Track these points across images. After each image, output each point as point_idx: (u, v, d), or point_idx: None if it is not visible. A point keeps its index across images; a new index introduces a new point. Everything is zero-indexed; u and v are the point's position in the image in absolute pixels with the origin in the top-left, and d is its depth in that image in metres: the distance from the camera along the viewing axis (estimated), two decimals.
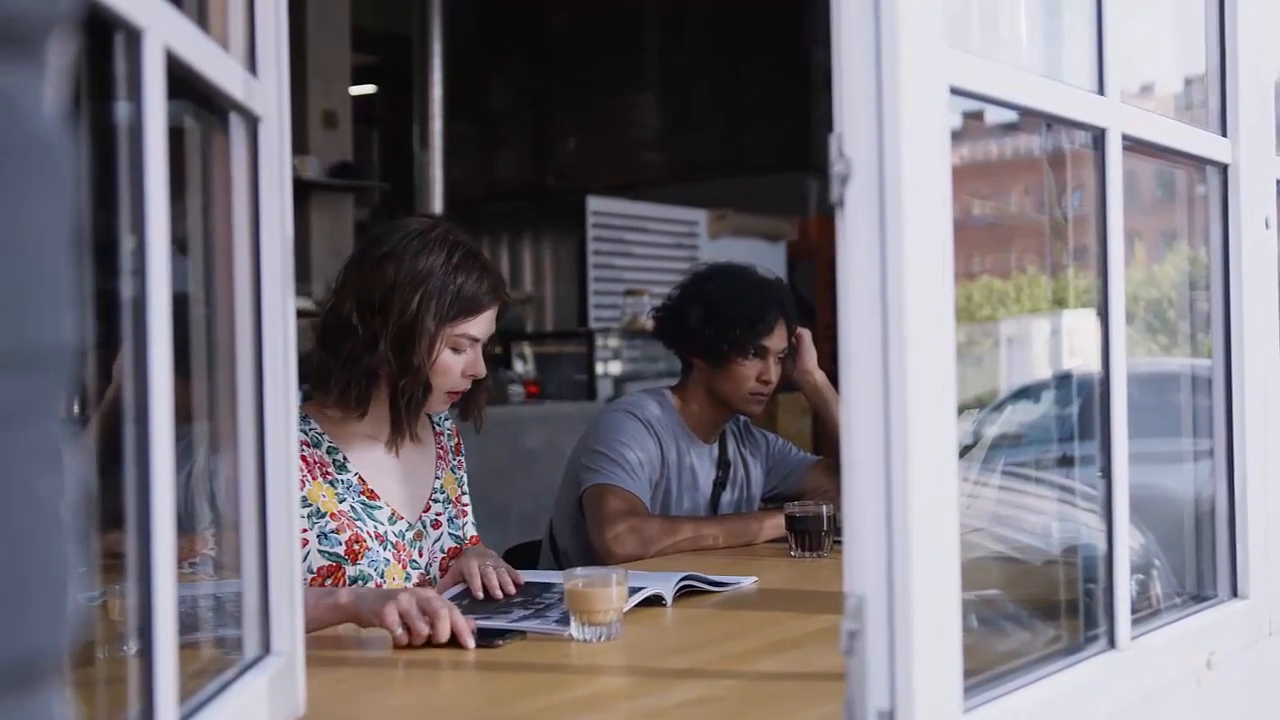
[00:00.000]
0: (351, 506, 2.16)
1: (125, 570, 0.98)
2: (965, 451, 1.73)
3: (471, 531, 2.38)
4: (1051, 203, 1.73)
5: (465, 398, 2.26)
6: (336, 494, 2.15)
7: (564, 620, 1.85)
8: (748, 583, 2.27)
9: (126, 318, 0.95)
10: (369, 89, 9.37)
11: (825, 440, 3.28)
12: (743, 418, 3.03)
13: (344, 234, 7.15)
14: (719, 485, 2.96)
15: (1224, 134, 1.74)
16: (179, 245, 1.16)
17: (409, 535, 2.22)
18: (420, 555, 2.24)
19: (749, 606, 2.15)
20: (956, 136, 1.17)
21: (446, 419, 2.38)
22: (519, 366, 7.15)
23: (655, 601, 2.05)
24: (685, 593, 2.13)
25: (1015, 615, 1.58)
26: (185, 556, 1.16)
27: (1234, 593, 1.74)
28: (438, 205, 7.42)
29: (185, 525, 1.14)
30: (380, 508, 2.19)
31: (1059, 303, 1.77)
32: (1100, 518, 1.47)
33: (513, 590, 2.08)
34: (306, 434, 2.16)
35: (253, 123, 1.30)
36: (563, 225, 7.66)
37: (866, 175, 1.10)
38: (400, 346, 2.12)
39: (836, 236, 1.12)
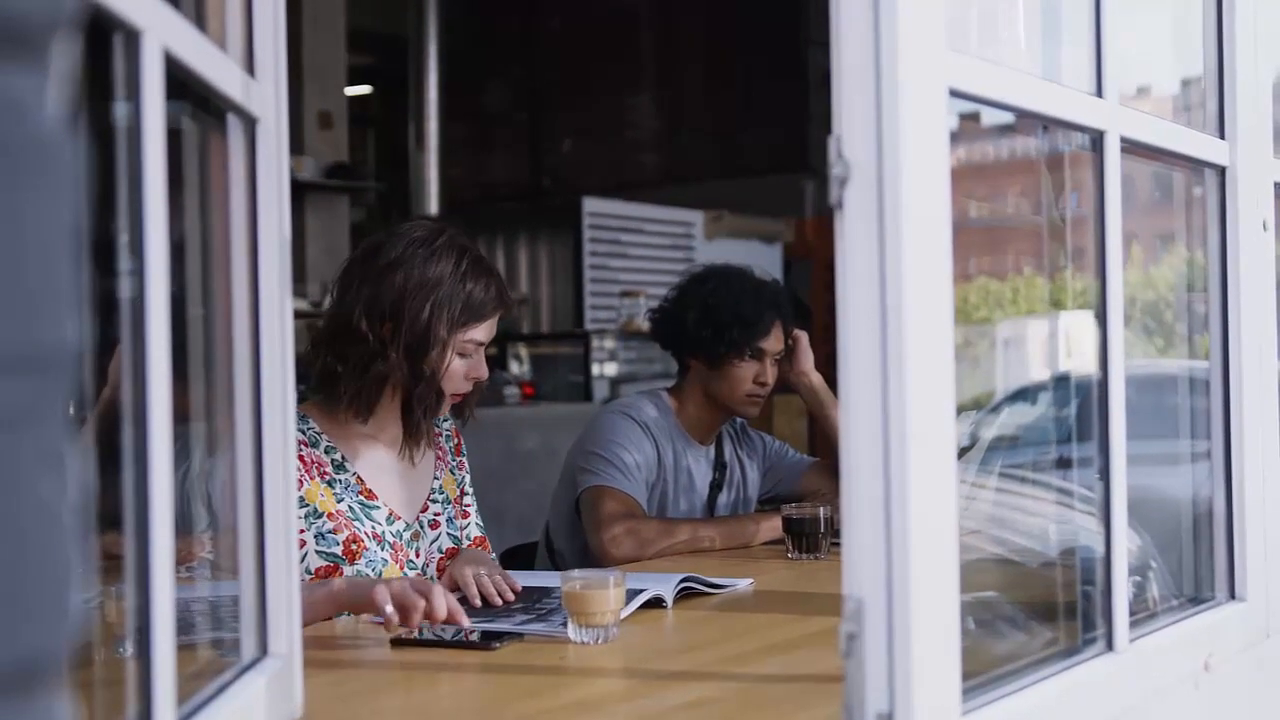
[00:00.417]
0: (349, 506, 2.15)
1: (123, 571, 0.98)
2: (962, 453, 1.73)
3: (476, 533, 2.37)
4: (1049, 204, 1.73)
5: (462, 397, 2.26)
6: (334, 494, 2.15)
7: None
8: (744, 585, 2.27)
9: (125, 318, 0.95)
10: (365, 90, 9.38)
11: (821, 442, 3.28)
12: (739, 419, 3.03)
13: (339, 234, 7.15)
14: (715, 487, 2.96)
15: (1222, 136, 1.75)
16: (176, 246, 1.16)
17: (406, 535, 2.22)
18: (418, 555, 2.24)
19: (747, 609, 2.15)
20: (953, 138, 1.17)
21: (446, 419, 2.38)
22: (515, 368, 7.13)
23: (654, 604, 2.05)
24: (682, 595, 2.12)
25: (1013, 617, 1.58)
26: (182, 560, 1.16)
27: (1232, 595, 1.74)
28: (433, 206, 7.42)
29: (181, 527, 1.14)
30: (378, 507, 2.19)
31: (1056, 304, 1.77)
32: (1098, 520, 1.47)
33: (510, 597, 2.06)
34: (304, 433, 2.16)
35: (251, 124, 1.30)
36: (558, 226, 7.65)
37: (866, 177, 1.10)
38: (412, 354, 2.13)
39: (835, 239, 1.12)
